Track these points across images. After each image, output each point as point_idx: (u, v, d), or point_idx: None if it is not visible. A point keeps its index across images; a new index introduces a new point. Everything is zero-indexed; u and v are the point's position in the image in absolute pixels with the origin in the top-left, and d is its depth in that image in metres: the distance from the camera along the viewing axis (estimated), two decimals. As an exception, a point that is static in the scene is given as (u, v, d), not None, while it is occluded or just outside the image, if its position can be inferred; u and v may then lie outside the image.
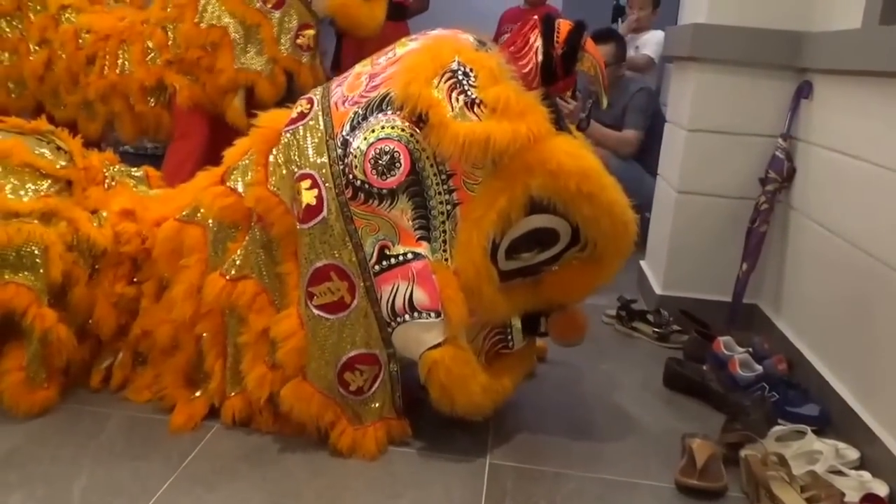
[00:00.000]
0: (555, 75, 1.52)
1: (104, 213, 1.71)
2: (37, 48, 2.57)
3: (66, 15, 2.58)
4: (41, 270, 1.56)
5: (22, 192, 1.66)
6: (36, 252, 1.56)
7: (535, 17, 1.62)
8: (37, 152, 1.73)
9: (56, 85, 2.60)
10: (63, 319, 1.59)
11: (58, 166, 1.74)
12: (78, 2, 2.61)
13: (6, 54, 2.58)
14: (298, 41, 2.47)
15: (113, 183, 1.83)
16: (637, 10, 3.75)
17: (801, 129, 2.21)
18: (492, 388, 1.52)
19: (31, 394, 1.56)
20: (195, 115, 2.56)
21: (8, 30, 2.57)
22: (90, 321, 1.67)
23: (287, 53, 2.47)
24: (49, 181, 1.71)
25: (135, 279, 1.70)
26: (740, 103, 2.28)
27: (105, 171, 1.84)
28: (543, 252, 1.53)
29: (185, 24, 2.44)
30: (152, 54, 2.51)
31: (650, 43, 3.65)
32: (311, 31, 2.50)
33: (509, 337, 1.63)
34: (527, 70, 1.52)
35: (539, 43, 1.53)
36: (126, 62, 2.53)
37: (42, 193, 1.67)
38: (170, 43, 2.49)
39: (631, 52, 3.61)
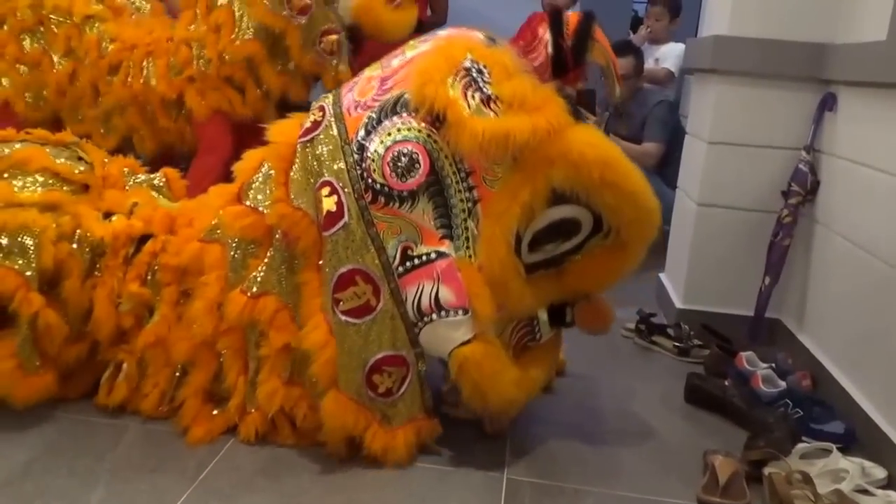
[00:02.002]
0: (566, 67, 1.51)
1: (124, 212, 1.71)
2: (62, 61, 2.58)
3: (91, 25, 2.60)
4: (33, 257, 1.56)
5: (31, 188, 1.67)
6: (28, 239, 1.56)
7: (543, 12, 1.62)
8: (57, 160, 1.74)
9: (78, 98, 2.60)
10: (55, 309, 1.58)
11: (76, 171, 1.75)
12: (102, 12, 2.63)
13: (25, 67, 2.60)
14: (322, 45, 2.47)
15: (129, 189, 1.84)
16: (653, 20, 3.74)
17: (824, 141, 2.18)
18: (523, 382, 1.50)
19: (25, 380, 1.55)
20: (219, 131, 2.56)
21: (29, 44, 2.58)
22: (89, 321, 1.63)
23: (311, 58, 2.47)
24: (67, 185, 1.72)
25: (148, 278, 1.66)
26: (762, 115, 2.26)
27: (126, 180, 1.86)
28: (566, 242, 1.52)
29: (223, 40, 2.43)
30: (175, 70, 2.53)
31: (670, 56, 3.63)
32: (333, 37, 2.49)
33: (536, 329, 1.61)
34: (538, 63, 1.52)
35: (548, 36, 1.53)
36: (150, 74, 2.54)
37: (51, 188, 1.68)
38: (198, 61, 2.49)
39: (650, 64, 3.60)
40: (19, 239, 1.56)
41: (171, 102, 2.55)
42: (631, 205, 1.43)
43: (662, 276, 2.73)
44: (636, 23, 5.74)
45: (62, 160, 1.76)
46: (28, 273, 1.55)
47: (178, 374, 1.62)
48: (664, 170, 3.19)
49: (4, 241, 1.56)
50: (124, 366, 1.64)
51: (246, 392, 1.56)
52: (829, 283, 2.06)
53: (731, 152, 2.30)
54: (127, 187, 1.86)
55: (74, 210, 1.67)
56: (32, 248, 1.56)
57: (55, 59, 2.58)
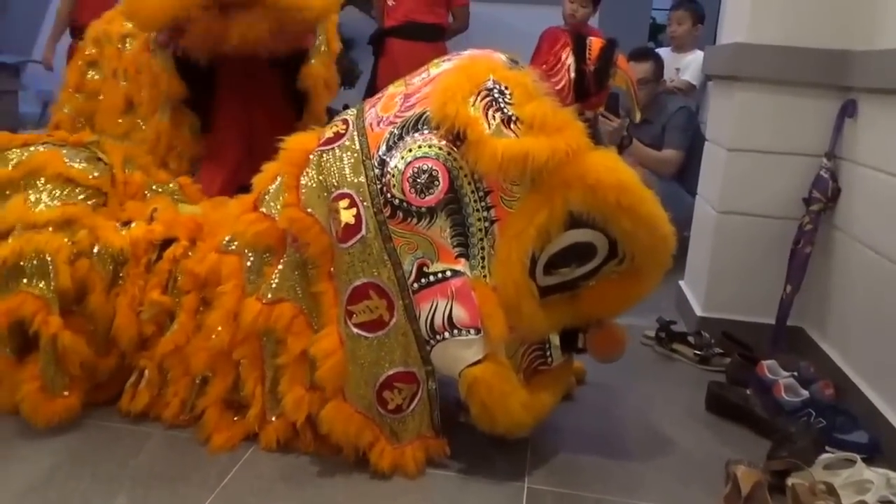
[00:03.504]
0: (587, 91, 1.52)
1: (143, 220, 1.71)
2: (123, 82, 2.54)
3: (127, 42, 2.60)
4: (52, 279, 1.58)
5: (46, 202, 1.67)
6: (48, 261, 1.58)
7: (566, 35, 1.64)
8: (72, 164, 1.74)
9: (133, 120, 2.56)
10: (82, 327, 1.60)
11: (91, 176, 1.75)
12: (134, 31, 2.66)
13: (83, 96, 2.62)
14: None
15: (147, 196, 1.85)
16: (675, 24, 3.72)
17: (845, 148, 2.16)
18: (532, 405, 1.50)
19: (50, 402, 1.56)
20: (228, 137, 2.56)
21: (92, 76, 2.63)
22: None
23: None
24: (81, 190, 1.72)
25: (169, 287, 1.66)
26: (782, 122, 2.25)
27: (146, 185, 1.87)
28: (581, 267, 1.51)
29: None
30: None
31: (692, 67, 3.59)
32: None
33: (548, 353, 1.61)
34: (560, 87, 1.53)
35: (571, 60, 1.54)
36: None
37: (67, 201, 1.68)
38: None
39: (672, 73, 3.58)
40: (36, 262, 1.58)
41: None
42: (646, 230, 1.43)
43: (682, 283, 2.72)
44: (654, 30, 5.73)
45: (79, 163, 1.76)
46: (49, 296, 1.57)
47: (198, 382, 1.62)
48: (684, 176, 3.18)
49: (24, 266, 1.58)
50: (146, 372, 1.65)
51: (265, 401, 1.57)
52: (852, 290, 2.04)
53: (752, 159, 2.29)
54: (147, 192, 1.87)
55: (92, 223, 1.67)
56: (51, 270, 1.58)
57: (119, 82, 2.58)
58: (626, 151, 2.86)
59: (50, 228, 1.63)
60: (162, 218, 1.74)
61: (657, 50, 3.70)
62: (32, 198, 1.69)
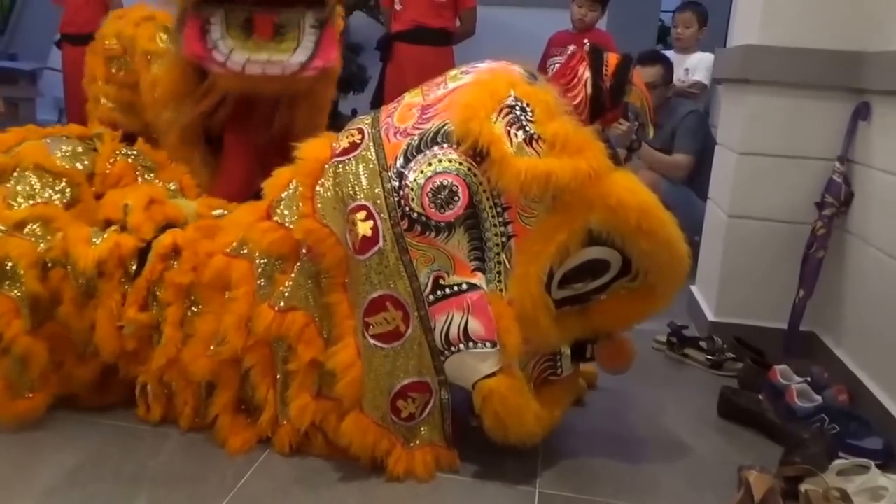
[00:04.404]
0: (603, 107, 1.54)
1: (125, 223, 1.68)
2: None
3: (150, 61, 2.63)
4: (21, 283, 1.59)
5: (19, 200, 1.68)
6: (14, 266, 1.59)
7: (583, 47, 1.65)
8: (54, 153, 1.74)
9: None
10: (58, 334, 1.62)
11: (65, 166, 1.74)
12: (161, 51, 2.65)
13: (115, 87, 2.64)
14: None
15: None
16: (683, 27, 3.72)
17: (858, 151, 2.16)
18: (543, 416, 1.51)
19: (12, 402, 1.59)
20: (240, 138, 2.56)
21: (115, 70, 2.65)
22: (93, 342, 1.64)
23: None
24: (55, 181, 1.72)
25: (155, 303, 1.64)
26: (794, 125, 2.24)
27: (136, 175, 1.85)
28: (594, 281, 1.52)
29: None
30: None
31: (701, 68, 3.60)
32: None
33: (559, 364, 1.62)
34: (576, 102, 1.54)
35: (588, 75, 1.55)
36: None
37: (37, 201, 1.68)
38: None
39: (680, 74, 3.58)
40: (8, 266, 1.60)
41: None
42: (665, 252, 1.45)
43: (693, 288, 2.72)
44: (663, 32, 5.72)
45: (61, 153, 1.75)
46: (19, 298, 1.59)
47: (203, 385, 1.62)
48: (694, 180, 3.17)
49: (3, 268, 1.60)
50: (148, 387, 1.64)
51: (277, 405, 1.57)
52: (865, 295, 2.04)
53: (763, 163, 2.29)
54: (139, 178, 1.84)
55: (65, 227, 1.65)
56: (21, 274, 1.59)
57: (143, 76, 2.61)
58: (636, 155, 2.85)
59: (18, 237, 1.63)
60: (135, 220, 1.68)
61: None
62: (8, 189, 1.68)
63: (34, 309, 1.61)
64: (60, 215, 1.69)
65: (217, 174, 2.55)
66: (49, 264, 1.63)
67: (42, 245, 1.64)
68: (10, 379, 1.60)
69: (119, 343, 1.62)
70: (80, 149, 1.80)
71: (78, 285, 1.62)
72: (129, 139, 2.02)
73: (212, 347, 1.57)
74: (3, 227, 1.63)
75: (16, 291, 1.60)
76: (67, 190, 1.74)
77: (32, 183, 1.71)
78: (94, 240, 1.65)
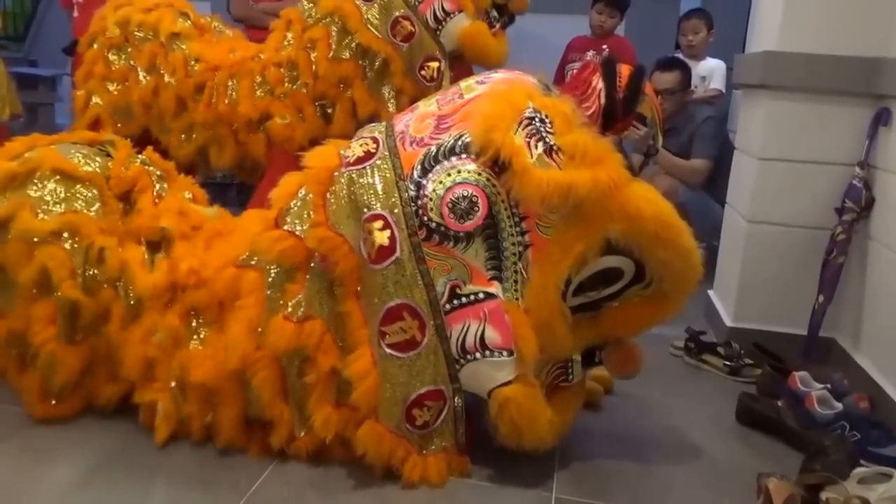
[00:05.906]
0: (615, 117, 1.54)
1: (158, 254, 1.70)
2: (147, 77, 2.61)
3: (177, 43, 2.62)
4: (59, 291, 1.61)
5: (49, 209, 1.67)
6: (51, 274, 1.61)
7: (599, 56, 1.66)
8: (70, 156, 1.74)
9: (162, 111, 2.62)
10: (95, 348, 1.65)
11: (84, 169, 1.74)
12: (187, 30, 2.64)
13: (116, 84, 2.65)
14: (422, 73, 2.47)
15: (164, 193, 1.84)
16: (692, 33, 3.71)
17: (879, 157, 2.13)
18: (555, 422, 1.51)
19: (41, 404, 1.67)
20: (290, 154, 2.55)
21: (116, 60, 2.65)
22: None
23: (412, 84, 2.45)
24: (78, 185, 1.72)
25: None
26: (814, 131, 2.22)
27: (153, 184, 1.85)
28: (607, 288, 1.52)
29: (319, 57, 2.43)
30: (259, 91, 2.53)
31: (716, 76, 3.61)
32: (435, 64, 2.46)
33: (570, 370, 1.61)
34: (590, 112, 1.55)
35: (601, 86, 1.56)
36: (234, 94, 2.55)
37: (70, 207, 1.69)
38: (290, 82, 2.49)
39: (697, 80, 3.57)
40: (45, 275, 1.61)
41: (255, 122, 2.55)
42: (680, 260, 1.45)
43: (711, 293, 2.70)
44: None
45: (73, 156, 1.75)
46: (57, 305, 1.61)
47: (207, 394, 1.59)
48: (712, 185, 3.16)
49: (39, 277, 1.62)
50: (159, 406, 1.61)
51: (293, 420, 1.55)
52: (886, 301, 2.01)
53: (783, 168, 2.27)
54: (156, 186, 1.84)
55: (117, 247, 1.66)
56: (58, 284, 1.61)
57: (140, 74, 2.61)
58: (653, 160, 2.84)
59: (58, 239, 1.64)
60: (181, 253, 1.69)
61: None
62: (34, 195, 1.68)
63: (72, 319, 1.63)
64: (89, 222, 1.69)
65: (261, 187, 2.57)
66: (101, 280, 1.64)
67: (77, 258, 1.64)
68: (42, 381, 1.65)
69: (146, 362, 1.62)
70: (93, 154, 1.82)
71: (130, 307, 1.64)
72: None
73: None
74: (37, 238, 1.64)
75: (53, 300, 1.62)
76: (91, 193, 1.74)
77: (55, 189, 1.71)
78: (148, 268, 1.66)
